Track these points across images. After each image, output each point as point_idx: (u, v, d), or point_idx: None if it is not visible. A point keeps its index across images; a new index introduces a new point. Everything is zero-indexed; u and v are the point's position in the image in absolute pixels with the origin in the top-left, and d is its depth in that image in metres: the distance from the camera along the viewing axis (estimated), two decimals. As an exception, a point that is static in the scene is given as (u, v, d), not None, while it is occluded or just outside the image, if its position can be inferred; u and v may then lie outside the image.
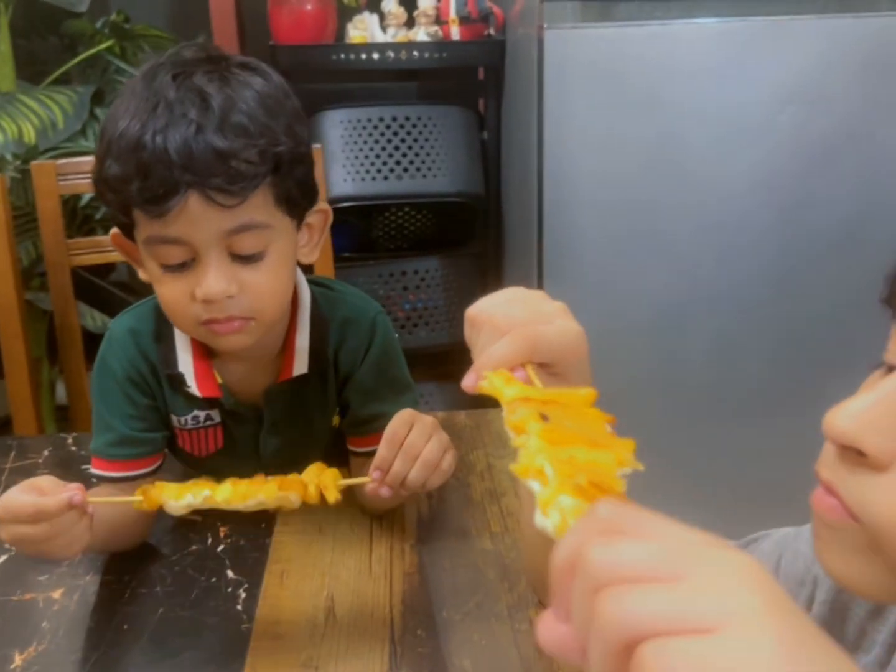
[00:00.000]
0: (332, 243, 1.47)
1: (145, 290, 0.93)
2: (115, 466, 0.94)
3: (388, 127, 2.07)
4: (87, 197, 1.89)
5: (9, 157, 1.84)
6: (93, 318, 2.11)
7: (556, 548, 0.36)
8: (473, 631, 0.82)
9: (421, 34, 2.08)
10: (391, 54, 2.05)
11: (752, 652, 0.30)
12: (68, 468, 1.10)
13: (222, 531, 0.97)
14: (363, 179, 2.04)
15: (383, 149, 2.06)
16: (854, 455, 0.47)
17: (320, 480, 0.77)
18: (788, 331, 1.86)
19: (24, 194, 1.84)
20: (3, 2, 2.01)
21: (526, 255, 1.91)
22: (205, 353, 0.95)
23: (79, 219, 1.95)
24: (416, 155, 2.07)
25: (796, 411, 1.70)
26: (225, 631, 0.83)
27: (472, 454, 1.12)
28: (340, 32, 2.11)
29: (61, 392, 1.89)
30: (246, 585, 0.89)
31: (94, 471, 0.95)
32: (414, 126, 2.07)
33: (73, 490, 0.76)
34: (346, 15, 2.11)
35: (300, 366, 0.97)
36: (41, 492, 0.75)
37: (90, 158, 0.88)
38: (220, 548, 0.95)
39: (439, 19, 2.10)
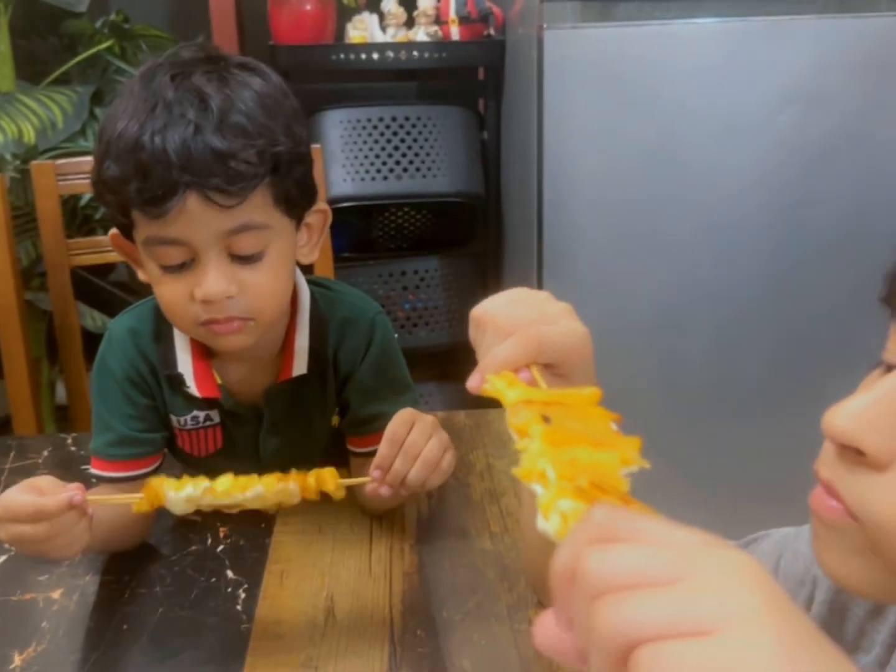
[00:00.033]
0: (332, 243, 1.47)
1: (145, 290, 0.93)
2: (114, 466, 0.94)
3: (387, 127, 2.07)
4: (86, 197, 1.89)
5: (8, 157, 1.84)
6: (92, 318, 2.11)
7: (555, 556, 0.36)
8: (473, 631, 0.82)
9: (420, 34, 2.08)
10: (391, 54, 2.05)
11: (750, 653, 0.30)
12: (68, 468, 1.10)
13: (222, 531, 0.97)
14: (363, 179, 2.04)
15: (383, 149, 2.06)
16: (853, 454, 0.47)
17: (319, 476, 0.77)
18: (788, 331, 1.86)
19: (23, 194, 1.84)
20: (2, 2, 2.01)
21: (526, 255, 1.91)
22: (204, 353, 0.95)
23: (78, 219, 1.95)
24: (416, 155, 2.07)
25: (796, 411, 1.70)
26: (224, 631, 0.83)
27: (471, 454, 1.12)
28: (340, 32, 2.11)
29: (61, 392, 1.89)
30: (246, 585, 0.89)
31: (93, 471, 0.95)
32: (414, 126, 2.07)
33: (72, 490, 0.76)
34: (345, 15, 2.11)
35: (300, 366, 0.97)
36: (40, 492, 0.75)
37: (90, 158, 0.88)
38: (220, 548, 0.95)
39: (439, 19, 2.10)
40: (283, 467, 0.78)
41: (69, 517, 0.75)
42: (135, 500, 0.76)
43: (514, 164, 2.07)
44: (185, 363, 0.95)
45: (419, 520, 1.00)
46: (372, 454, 0.88)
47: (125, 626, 0.84)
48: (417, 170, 2.06)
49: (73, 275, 1.44)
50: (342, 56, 2.05)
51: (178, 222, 0.81)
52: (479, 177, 2.15)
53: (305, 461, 0.80)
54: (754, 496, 1.84)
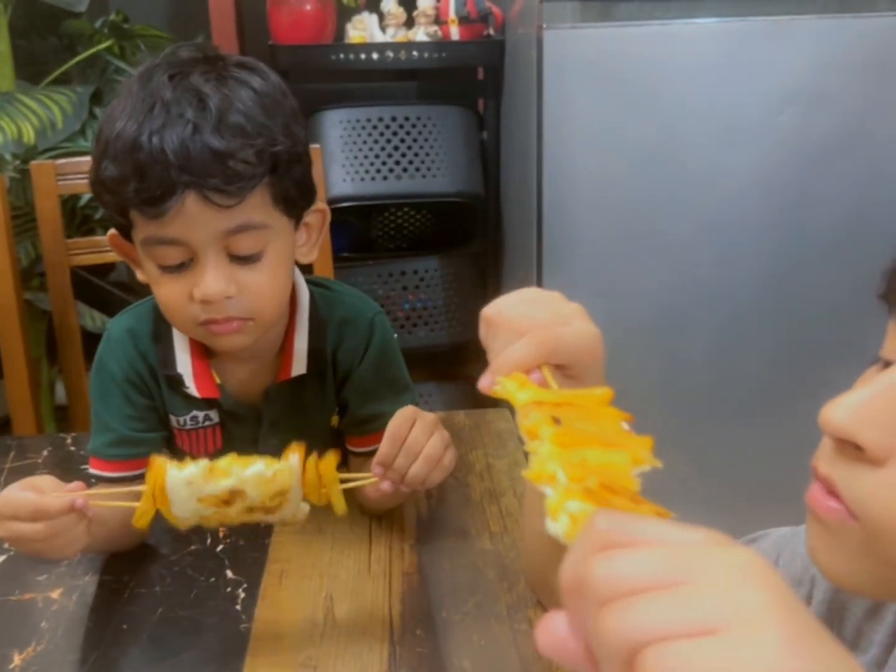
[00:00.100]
0: (332, 243, 1.47)
1: (144, 290, 0.93)
2: (113, 466, 0.94)
3: (387, 127, 2.07)
4: (86, 197, 1.89)
5: (8, 157, 1.84)
6: (92, 318, 2.11)
7: (562, 565, 0.36)
8: (473, 631, 0.82)
9: (420, 34, 2.08)
10: (390, 54, 2.05)
11: (755, 649, 0.30)
12: (67, 468, 1.10)
13: (221, 531, 0.97)
14: (362, 179, 2.04)
15: (382, 149, 2.06)
16: (851, 449, 0.47)
17: (324, 474, 0.76)
18: (788, 330, 1.86)
19: (23, 194, 1.84)
20: (2, 2, 2.01)
21: (525, 255, 1.91)
22: (203, 353, 0.95)
23: (78, 219, 1.95)
24: (416, 155, 2.07)
25: (796, 411, 1.70)
26: (224, 631, 0.83)
27: (471, 454, 1.12)
28: (340, 32, 2.11)
29: (61, 392, 1.89)
30: (245, 585, 0.89)
31: (92, 471, 0.95)
32: (413, 126, 2.07)
33: (74, 489, 0.76)
34: (345, 15, 2.11)
35: (299, 366, 0.97)
36: (40, 491, 0.75)
37: (89, 158, 0.88)
38: (220, 548, 0.95)
39: (438, 19, 2.10)
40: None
41: (69, 518, 0.75)
42: (136, 506, 0.75)
43: (513, 164, 2.07)
44: (184, 363, 0.95)
45: (419, 520, 1.00)
46: (371, 454, 0.87)
47: (125, 626, 0.84)
48: (417, 170, 2.06)
49: (72, 275, 1.44)
50: (342, 56, 2.05)
51: (176, 222, 0.81)
52: (478, 177, 2.15)
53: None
54: (754, 496, 1.84)
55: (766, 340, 1.87)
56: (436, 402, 2.25)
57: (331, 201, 1.93)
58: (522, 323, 0.60)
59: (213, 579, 0.90)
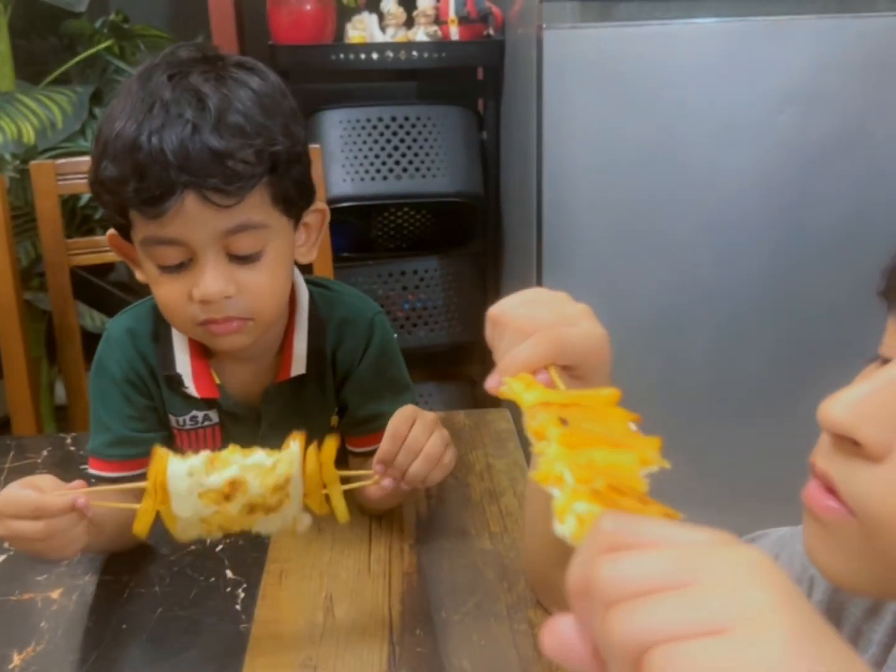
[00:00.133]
0: (332, 243, 1.47)
1: (144, 289, 0.93)
2: (112, 467, 0.94)
3: (387, 127, 2.07)
4: (86, 197, 1.89)
5: (8, 157, 1.84)
6: (92, 318, 2.11)
7: (569, 567, 0.36)
8: (472, 631, 0.82)
9: (420, 34, 2.08)
10: (390, 54, 2.05)
11: (762, 649, 0.31)
12: (67, 468, 1.10)
13: (221, 531, 0.97)
14: (362, 179, 2.04)
15: (382, 149, 2.06)
16: (849, 445, 0.47)
17: (324, 461, 0.76)
18: (788, 330, 1.86)
19: (23, 194, 1.84)
20: (2, 2, 2.01)
21: (525, 255, 1.91)
22: (202, 353, 0.95)
23: (78, 219, 1.95)
24: (416, 155, 2.07)
25: (796, 411, 1.70)
26: (224, 631, 0.83)
27: (471, 454, 1.12)
28: (339, 32, 2.11)
29: (60, 392, 1.89)
30: (245, 585, 0.89)
31: (91, 471, 0.95)
32: (413, 126, 2.07)
33: (75, 487, 0.76)
34: (345, 15, 2.11)
35: (298, 366, 0.97)
36: (40, 490, 0.75)
37: (89, 158, 0.88)
38: (219, 547, 0.95)
39: (438, 19, 2.10)
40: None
41: (68, 518, 0.75)
42: (137, 507, 0.75)
43: (513, 164, 2.07)
44: (183, 363, 0.95)
45: (418, 520, 1.00)
46: (371, 454, 0.87)
47: (124, 626, 0.84)
48: (417, 170, 2.06)
49: (72, 275, 1.44)
50: (342, 56, 2.05)
51: (175, 222, 0.81)
52: (478, 177, 2.15)
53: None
54: (754, 495, 1.83)
55: (766, 340, 1.87)
56: (436, 402, 2.25)
57: (331, 201, 1.93)
58: (529, 323, 0.60)
59: (212, 579, 0.90)
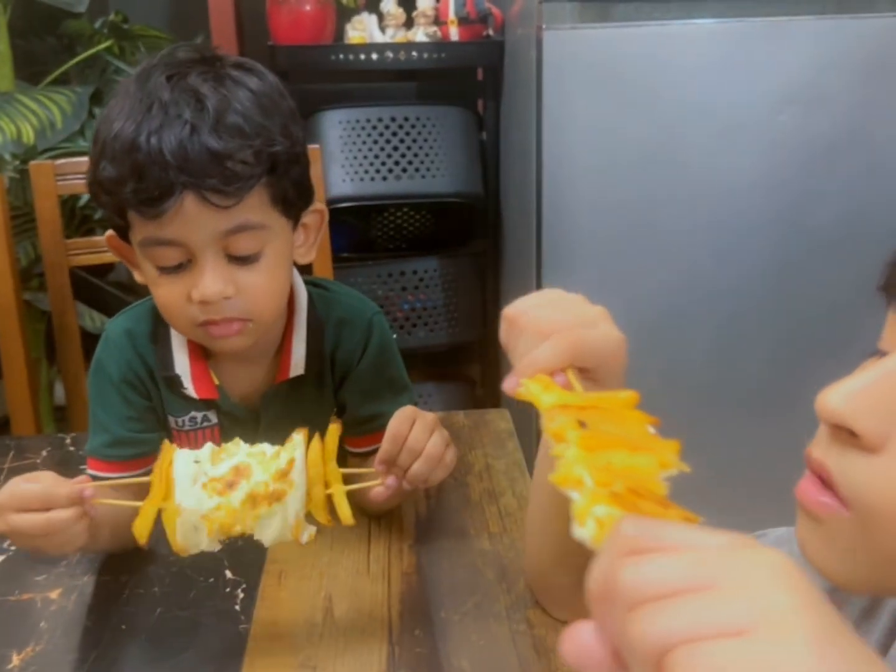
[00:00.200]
0: (331, 243, 1.47)
1: (144, 290, 0.93)
2: (111, 467, 0.94)
3: (386, 127, 2.07)
4: (85, 197, 1.89)
5: (7, 157, 1.84)
6: (91, 319, 2.11)
7: (589, 572, 0.36)
8: (471, 631, 0.82)
9: (420, 35, 2.08)
10: (390, 55, 2.05)
11: (784, 651, 0.31)
12: (66, 468, 1.09)
13: (220, 531, 0.97)
14: (362, 180, 2.04)
15: (382, 149, 2.06)
16: (846, 435, 0.47)
17: (328, 447, 0.76)
18: (788, 330, 1.86)
19: (22, 194, 1.85)
20: (1, 2, 2.01)
21: (525, 255, 1.91)
22: (201, 354, 0.95)
23: (77, 219, 1.95)
24: (415, 155, 2.07)
25: (796, 410, 1.69)
26: (223, 631, 0.83)
27: (470, 454, 1.12)
28: (339, 33, 2.11)
29: (60, 392, 1.89)
30: (244, 586, 0.89)
31: (90, 472, 0.95)
32: (413, 126, 2.07)
33: (81, 482, 0.76)
34: (344, 15, 2.11)
35: (297, 367, 0.97)
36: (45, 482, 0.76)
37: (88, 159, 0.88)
38: (218, 548, 0.95)
39: (438, 20, 2.10)
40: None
41: (71, 514, 0.76)
42: (139, 506, 0.75)
43: (513, 165, 2.07)
44: (182, 364, 0.94)
45: (418, 520, 1.00)
46: (370, 454, 0.87)
47: (123, 626, 0.84)
48: (416, 170, 2.06)
49: (71, 275, 1.44)
50: (341, 56, 2.05)
51: (174, 223, 0.81)
52: (478, 177, 2.15)
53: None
54: (754, 495, 1.83)
55: (766, 340, 1.87)
56: (435, 403, 2.25)
57: (330, 201, 1.93)
58: (548, 325, 0.60)
59: (211, 579, 0.90)
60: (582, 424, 0.48)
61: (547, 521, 0.78)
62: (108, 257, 1.42)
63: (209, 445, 0.75)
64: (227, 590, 0.89)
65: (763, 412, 1.89)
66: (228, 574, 0.91)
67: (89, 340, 1.28)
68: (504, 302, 2.28)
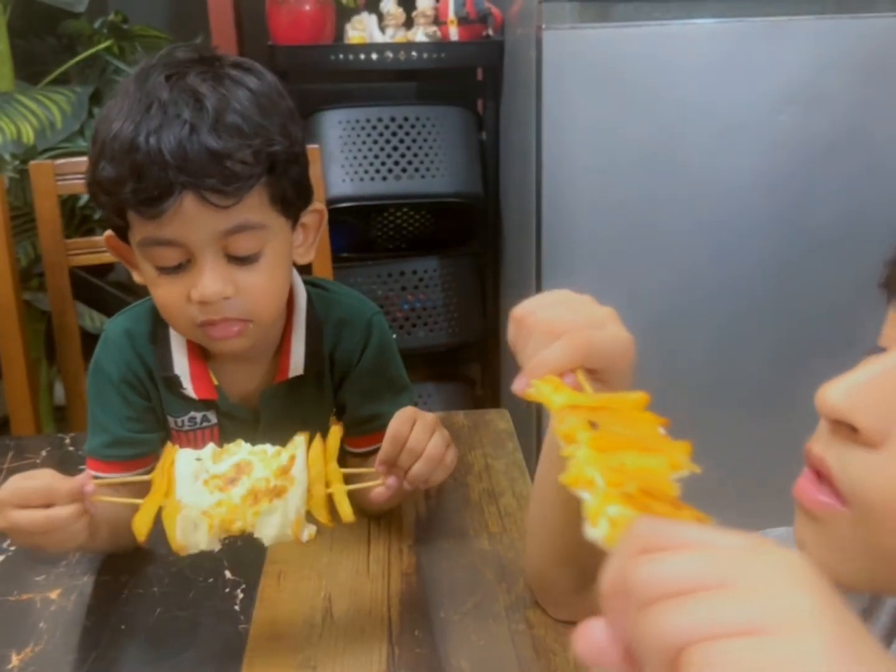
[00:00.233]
0: (331, 243, 1.47)
1: (143, 290, 0.93)
2: (110, 467, 0.94)
3: (386, 127, 2.07)
4: (85, 197, 1.89)
5: (7, 157, 1.84)
6: (91, 319, 2.11)
7: (604, 569, 0.36)
8: (471, 631, 0.82)
9: (419, 35, 2.08)
10: (390, 55, 2.05)
11: (801, 652, 0.31)
12: (66, 468, 1.08)
13: (220, 531, 0.97)
14: (362, 180, 2.04)
15: (382, 149, 2.06)
16: (846, 431, 0.47)
17: (329, 447, 0.76)
18: (788, 330, 1.86)
19: (22, 194, 1.84)
20: (1, 2, 2.01)
21: (524, 255, 1.91)
22: (200, 354, 0.95)
23: (77, 219, 1.95)
24: (415, 155, 2.07)
25: (796, 409, 1.69)
26: (222, 631, 0.83)
27: (470, 454, 1.12)
28: (339, 33, 2.11)
29: (59, 392, 1.89)
30: (243, 586, 0.89)
31: (89, 472, 0.95)
32: (412, 126, 2.07)
33: (82, 479, 0.76)
34: (344, 15, 2.11)
35: (296, 367, 0.97)
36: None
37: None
38: (217, 548, 0.95)
39: (438, 20, 2.10)
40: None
41: (71, 511, 0.76)
42: (140, 503, 0.75)
43: (512, 165, 2.07)
44: (181, 365, 0.94)
45: (417, 520, 1.00)
46: (370, 454, 0.87)
47: (123, 627, 0.84)
48: (416, 170, 2.06)
49: (71, 275, 1.44)
50: (341, 56, 2.05)
51: (173, 223, 0.81)
52: (477, 177, 2.15)
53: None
54: (755, 495, 1.83)
55: (767, 340, 1.87)
56: (435, 403, 2.24)
57: (330, 202, 1.93)
58: (558, 326, 0.60)
59: (211, 580, 0.90)
60: (593, 425, 0.48)
61: (548, 521, 0.78)
62: (108, 257, 1.41)
63: (211, 445, 0.75)
64: (227, 590, 0.89)
65: (763, 412, 1.89)
66: (228, 574, 0.91)
67: (89, 340, 1.28)
68: (504, 302, 2.29)
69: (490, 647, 0.80)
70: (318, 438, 0.76)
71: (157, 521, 0.88)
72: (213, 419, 0.98)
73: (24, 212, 1.84)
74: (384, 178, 2.05)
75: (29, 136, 1.87)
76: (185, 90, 0.81)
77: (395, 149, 2.06)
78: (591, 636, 0.36)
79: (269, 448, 0.75)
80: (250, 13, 2.21)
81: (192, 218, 0.81)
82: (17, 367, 1.42)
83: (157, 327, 0.95)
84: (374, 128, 2.06)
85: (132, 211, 0.82)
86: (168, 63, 0.84)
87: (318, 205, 0.94)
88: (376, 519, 0.99)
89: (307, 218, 0.93)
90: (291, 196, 0.87)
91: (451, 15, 2.06)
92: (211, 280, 0.83)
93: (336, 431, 0.77)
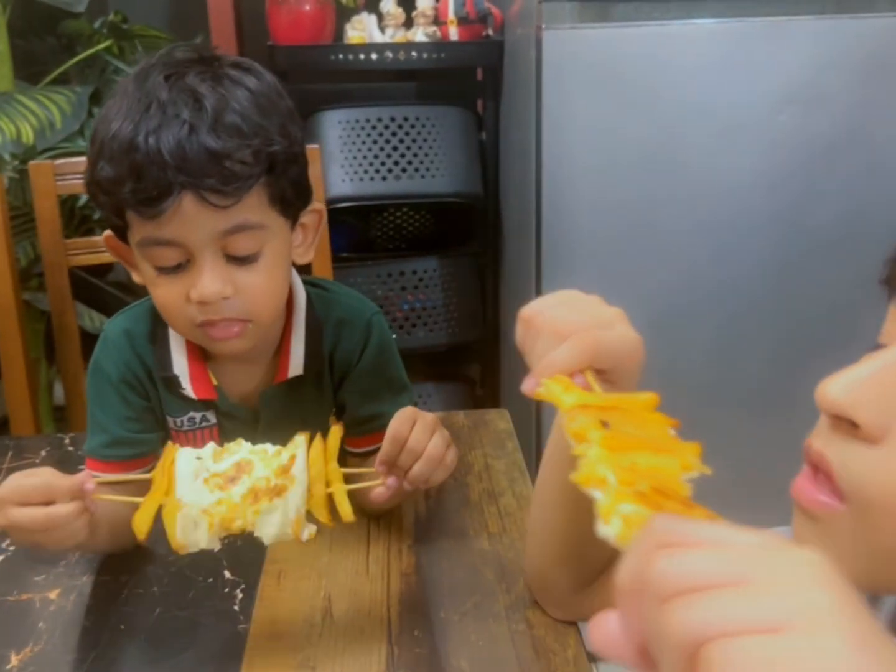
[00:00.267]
0: (331, 243, 1.47)
1: (143, 290, 0.93)
2: (109, 468, 0.94)
3: (386, 127, 2.06)
4: (84, 197, 1.89)
5: (7, 157, 1.84)
6: (90, 319, 2.11)
7: (620, 565, 0.36)
8: (471, 631, 0.82)
9: (419, 35, 2.08)
10: (389, 55, 2.04)
11: (819, 650, 0.31)
12: (66, 468, 1.08)
13: (219, 531, 0.97)
14: (361, 180, 2.04)
15: (381, 149, 2.06)
16: (846, 426, 0.46)
17: (329, 447, 0.76)
18: (788, 330, 1.86)
19: (21, 194, 1.84)
20: (1, 2, 2.01)
21: (524, 255, 1.91)
22: (200, 354, 0.95)
23: (76, 219, 1.95)
24: (415, 155, 2.07)
25: (796, 409, 1.69)
26: (222, 631, 0.83)
27: (469, 454, 1.12)
28: (339, 33, 2.11)
29: (59, 392, 1.89)
30: (243, 586, 0.89)
31: (89, 471, 0.95)
32: (412, 126, 2.07)
33: (82, 478, 0.76)
34: (344, 15, 2.11)
35: (296, 367, 0.96)
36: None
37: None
38: (217, 548, 0.95)
39: (437, 20, 2.10)
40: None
41: (71, 508, 0.76)
42: (140, 501, 0.75)
43: (512, 165, 2.07)
44: (180, 365, 0.94)
45: (417, 520, 1.00)
46: (370, 454, 0.87)
47: (122, 627, 0.84)
48: (416, 170, 2.06)
49: (71, 275, 1.44)
50: (341, 56, 2.05)
51: (173, 223, 0.81)
52: (477, 177, 2.15)
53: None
54: (755, 495, 1.83)
55: (767, 340, 1.87)
56: (434, 403, 2.24)
57: (330, 202, 1.93)
58: (566, 326, 0.60)
59: (210, 580, 0.90)
60: (604, 425, 0.48)
61: (549, 521, 0.78)
62: (108, 257, 1.41)
63: (211, 444, 0.75)
64: (226, 590, 0.89)
65: (763, 412, 1.89)
66: (227, 574, 0.91)
67: (89, 340, 1.27)
68: (504, 302, 2.29)
69: (490, 647, 0.80)
70: (318, 438, 0.76)
71: (157, 519, 0.88)
72: (213, 419, 0.98)
73: (24, 212, 1.84)
74: (384, 178, 2.05)
75: (28, 136, 1.87)
76: (185, 90, 0.81)
77: (395, 149, 2.06)
78: (606, 628, 0.36)
79: (269, 447, 0.75)
80: (250, 13, 2.21)
81: (191, 218, 0.81)
82: (16, 367, 1.42)
83: (157, 327, 0.95)
84: (374, 128, 2.06)
85: (131, 211, 0.82)
86: (167, 63, 0.84)
87: (317, 205, 0.94)
88: (376, 519, 0.98)
89: (306, 218, 0.93)
90: (291, 196, 0.87)
91: (451, 15, 2.06)
92: (210, 280, 0.83)
93: (336, 431, 0.77)
